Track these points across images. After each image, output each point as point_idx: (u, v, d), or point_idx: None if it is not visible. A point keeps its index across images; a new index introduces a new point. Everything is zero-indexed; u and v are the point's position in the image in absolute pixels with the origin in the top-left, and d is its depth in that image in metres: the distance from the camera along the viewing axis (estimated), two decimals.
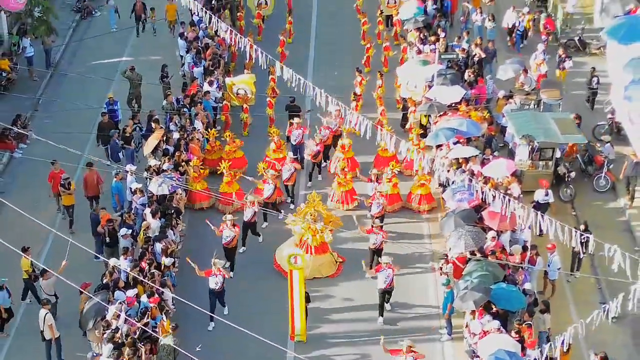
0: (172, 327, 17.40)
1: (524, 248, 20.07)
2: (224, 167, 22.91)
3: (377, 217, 21.41)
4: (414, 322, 19.71)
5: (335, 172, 23.54)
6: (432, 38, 27.73)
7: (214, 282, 18.91)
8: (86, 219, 21.92)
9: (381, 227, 20.69)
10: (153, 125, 23.99)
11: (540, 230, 18.27)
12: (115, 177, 22.30)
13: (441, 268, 19.81)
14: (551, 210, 21.69)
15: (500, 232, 20.37)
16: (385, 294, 19.44)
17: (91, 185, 22.30)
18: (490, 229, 20.34)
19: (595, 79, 26.70)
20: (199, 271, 18.84)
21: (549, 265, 19.82)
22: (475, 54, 27.55)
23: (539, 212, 18.15)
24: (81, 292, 18.12)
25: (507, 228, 20.46)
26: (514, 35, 29.63)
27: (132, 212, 21.22)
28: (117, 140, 24.09)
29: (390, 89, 27.13)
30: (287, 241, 21.24)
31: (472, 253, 19.59)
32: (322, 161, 24.36)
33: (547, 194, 21.94)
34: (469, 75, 26.28)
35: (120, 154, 24.08)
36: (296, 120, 24.18)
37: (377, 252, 20.47)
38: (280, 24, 30.76)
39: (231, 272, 20.31)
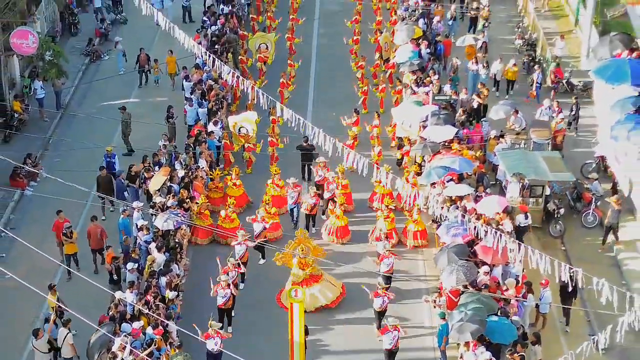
0: (177, 345, 18.06)
1: (517, 281, 20.68)
2: (231, 203, 23.76)
3: (386, 275, 21.34)
4: (410, 354, 20.16)
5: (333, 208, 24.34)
6: (427, 80, 28.79)
7: (212, 344, 18.74)
8: (90, 262, 22.59)
9: (387, 289, 20.67)
10: (145, 174, 24.57)
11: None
12: (122, 214, 23.01)
13: (434, 301, 20.47)
14: (541, 244, 22.44)
15: (493, 266, 21.03)
16: (391, 355, 19.52)
17: (94, 238, 22.44)
18: (484, 263, 20.91)
19: (575, 107, 28.28)
20: (200, 335, 18.83)
21: (540, 299, 20.42)
22: (474, 100, 28.40)
23: (529, 247, 18.87)
24: (100, 323, 18.74)
25: (500, 262, 21.12)
26: (533, 87, 30.03)
27: (137, 247, 21.86)
28: (123, 180, 24.79)
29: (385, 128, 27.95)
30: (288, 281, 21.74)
31: (465, 287, 20.14)
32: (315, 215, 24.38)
33: (526, 217, 22.87)
34: (461, 115, 27.30)
35: (126, 192, 24.75)
36: (292, 179, 24.31)
37: (383, 313, 20.41)
38: (283, 67, 31.36)
39: (230, 329, 20.35)
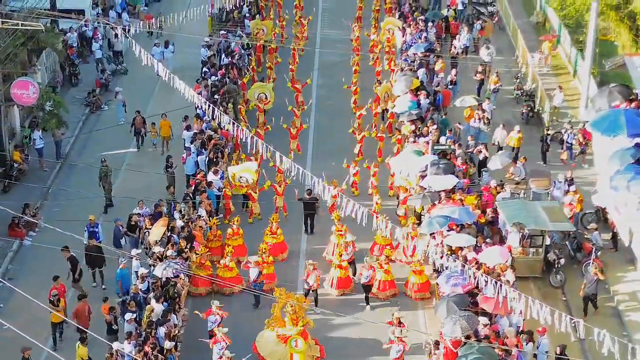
0: None
1: (518, 332, 20.55)
2: (228, 252, 23.69)
3: None
4: None
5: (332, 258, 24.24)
6: (424, 130, 28.96)
7: None
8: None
9: None
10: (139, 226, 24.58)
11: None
12: (121, 265, 22.86)
13: (431, 352, 20.29)
14: (541, 295, 22.30)
15: (495, 316, 20.92)
16: None
17: (82, 316, 21.55)
18: (484, 313, 20.86)
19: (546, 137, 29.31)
20: None
21: (537, 348, 20.29)
22: (482, 152, 28.47)
23: (530, 297, 18.80)
24: None
25: (502, 312, 20.97)
26: (564, 147, 29.67)
27: (136, 298, 21.64)
28: (120, 227, 24.70)
29: (383, 178, 27.95)
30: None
31: (468, 337, 19.99)
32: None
33: (511, 254, 23.05)
34: (471, 167, 27.39)
35: (122, 240, 24.65)
36: (254, 257, 23.34)
37: None
38: (286, 116, 31.34)
39: None
